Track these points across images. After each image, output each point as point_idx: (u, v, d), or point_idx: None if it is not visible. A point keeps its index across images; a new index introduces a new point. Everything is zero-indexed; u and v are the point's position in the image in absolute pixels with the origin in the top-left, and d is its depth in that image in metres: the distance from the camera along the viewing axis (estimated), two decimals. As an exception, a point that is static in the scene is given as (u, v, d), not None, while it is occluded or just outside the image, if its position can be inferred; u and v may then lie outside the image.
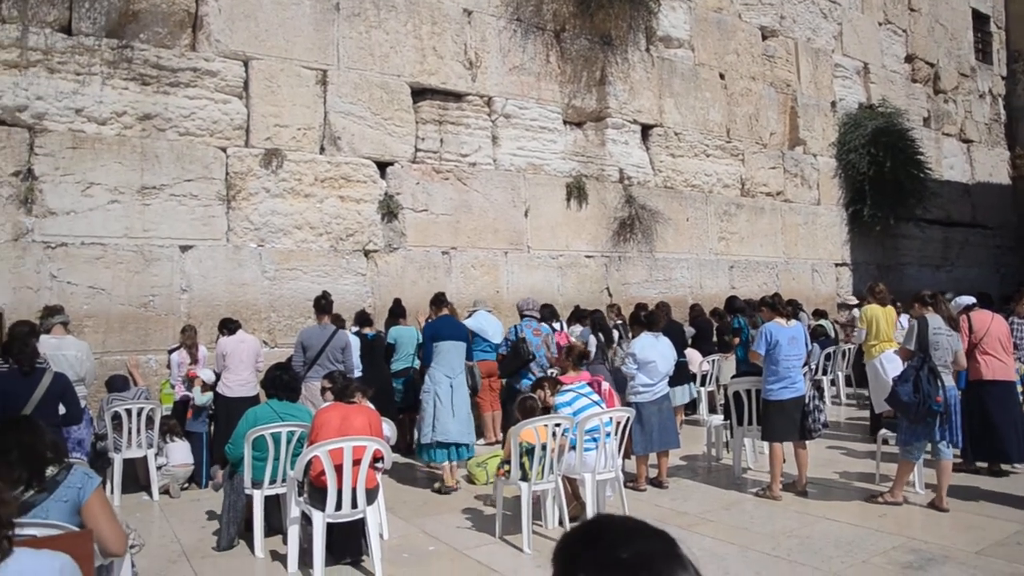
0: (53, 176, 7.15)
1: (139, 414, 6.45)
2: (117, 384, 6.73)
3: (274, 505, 5.33)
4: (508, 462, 5.16)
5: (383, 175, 9.09)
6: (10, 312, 6.59)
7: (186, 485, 6.81)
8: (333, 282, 8.47)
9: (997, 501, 5.82)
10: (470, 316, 8.32)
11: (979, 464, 6.64)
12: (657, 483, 6.50)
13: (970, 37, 18.43)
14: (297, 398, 5.50)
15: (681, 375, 8.15)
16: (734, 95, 12.90)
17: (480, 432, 7.88)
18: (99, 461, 6.41)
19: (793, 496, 6.05)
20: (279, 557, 4.90)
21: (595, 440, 5.30)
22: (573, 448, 5.32)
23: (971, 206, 17.51)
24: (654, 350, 6.38)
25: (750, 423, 6.69)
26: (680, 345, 8.20)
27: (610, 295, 10.90)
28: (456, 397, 6.57)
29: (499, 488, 5.36)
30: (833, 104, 14.63)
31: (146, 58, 7.68)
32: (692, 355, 9.20)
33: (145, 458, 6.56)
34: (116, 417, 6.40)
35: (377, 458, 4.67)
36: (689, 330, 9.84)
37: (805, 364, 6.36)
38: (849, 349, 11.15)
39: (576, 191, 10.66)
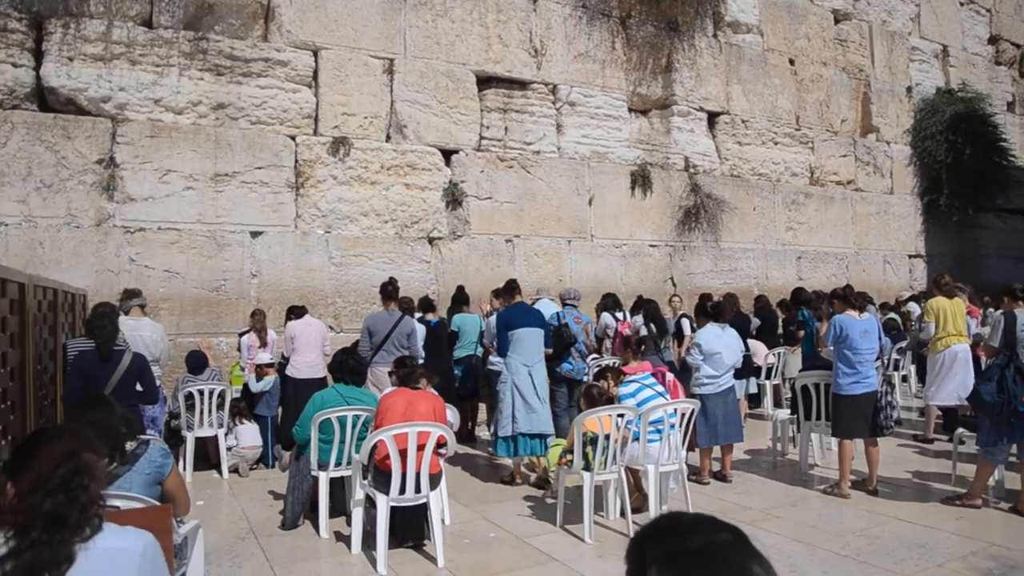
0: (133, 164, 7.42)
1: (211, 395, 6.67)
2: (195, 360, 6.94)
3: (339, 487, 5.43)
4: (571, 451, 5.15)
5: (448, 163, 9.15)
6: (92, 294, 6.88)
7: (254, 465, 7.02)
8: (398, 269, 8.57)
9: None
10: (533, 304, 8.29)
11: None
12: (721, 477, 6.40)
13: (1061, 17, 17.48)
14: (363, 382, 5.58)
15: (745, 367, 8.00)
16: (804, 81, 12.54)
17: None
18: (172, 439, 6.65)
19: (862, 495, 5.87)
20: (343, 538, 4.99)
21: (659, 431, 5.24)
22: (636, 439, 5.27)
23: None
24: (720, 341, 6.27)
25: (818, 418, 6.53)
26: (744, 336, 8.03)
27: (674, 285, 10.76)
28: (536, 386, 6.26)
29: (561, 477, 5.35)
30: (909, 89, 14.08)
31: (220, 49, 7.88)
32: (757, 347, 9.01)
33: (216, 437, 6.79)
34: (189, 397, 6.63)
35: (441, 444, 4.71)
36: (754, 322, 9.64)
37: (878, 359, 6.15)
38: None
39: (640, 179, 10.54)
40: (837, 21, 13.22)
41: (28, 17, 7.12)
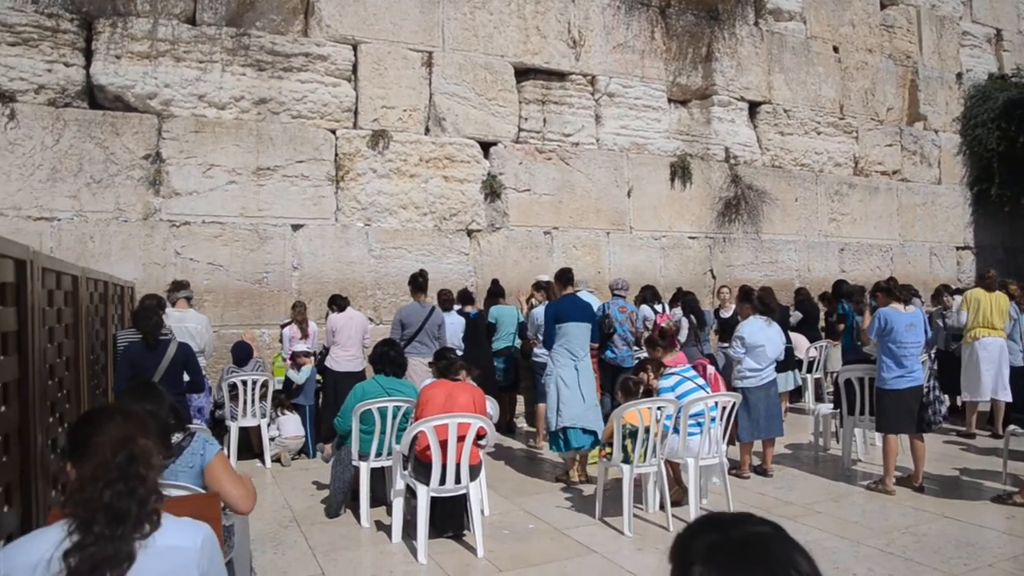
0: (178, 159, 7.58)
1: (254, 385, 6.80)
2: (241, 351, 7.08)
3: (379, 477, 5.51)
4: (610, 444, 5.14)
5: (486, 155, 9.16)
6: (140, 286, 7.06)
7: (296, 455, 7.13)
8: (436, 261, 8.62)
9: None
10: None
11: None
12: (761, 471, 6.34)
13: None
14: (403, 374, 5.62)
15: (787, 361, 7.89)
16: (848, 69, 12.27)
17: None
18: (217, 428, 6.80)
19: (908, 491, 5.76)
20: (383, 527, 5.06)
21: (699, 425, 5.20)
22: (676, 432, 5.23)
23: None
24: (763, 334, 6.20)
25: (862, 413, 6.41)
26: (784, 328, 7.91)
27: (713, 277, 10.65)
28: (582, 380, 6.07)
29: (601, 469, 5.35)
30: (959, 76, 13.67)
31: (262, 44, 7.99)
32: (799, 341, 8.88)
33: (258, 427, 6.92)
34: (233, 387, 6.76)
35: (481, 435, 4.74)
36: (795, 315, 9.49)
37: (924, 352, 6.02)
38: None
39: (680, 171, 10.44)
40: (883, 6, 12.90)
41: (79, 17, 7.30)
